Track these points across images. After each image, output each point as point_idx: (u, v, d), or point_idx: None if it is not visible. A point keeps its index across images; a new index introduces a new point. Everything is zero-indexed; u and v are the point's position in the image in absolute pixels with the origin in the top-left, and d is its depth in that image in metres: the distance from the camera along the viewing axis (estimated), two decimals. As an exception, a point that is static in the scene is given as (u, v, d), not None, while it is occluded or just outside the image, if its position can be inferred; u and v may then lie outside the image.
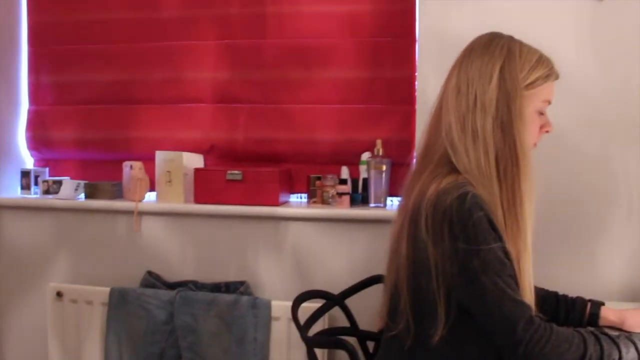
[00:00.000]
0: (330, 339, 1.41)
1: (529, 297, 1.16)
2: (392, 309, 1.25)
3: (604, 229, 1.82)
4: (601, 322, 1.42)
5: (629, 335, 1.16)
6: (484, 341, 1.13)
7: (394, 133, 2.00)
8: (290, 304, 1.50)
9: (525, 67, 1.21)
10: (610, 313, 1.42)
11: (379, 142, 1.94)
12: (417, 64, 1.89)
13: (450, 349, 1.16)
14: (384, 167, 1.91)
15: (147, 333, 1.97)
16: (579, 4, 1.78)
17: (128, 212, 2.07)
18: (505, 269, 1.10)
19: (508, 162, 1.17)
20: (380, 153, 1.94)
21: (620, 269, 1.82)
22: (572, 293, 1.72)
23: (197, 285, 2.01)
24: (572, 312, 1.44)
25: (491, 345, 1.12)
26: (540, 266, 1.82)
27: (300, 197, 2.14)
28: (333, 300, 1.64)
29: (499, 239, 1.11)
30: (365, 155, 2.00)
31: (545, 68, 1.23)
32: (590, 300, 1.46)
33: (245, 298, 1.92)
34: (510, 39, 1.26)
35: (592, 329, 1.21)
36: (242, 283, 1.99)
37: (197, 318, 1.92)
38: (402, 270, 1.20)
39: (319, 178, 2.03)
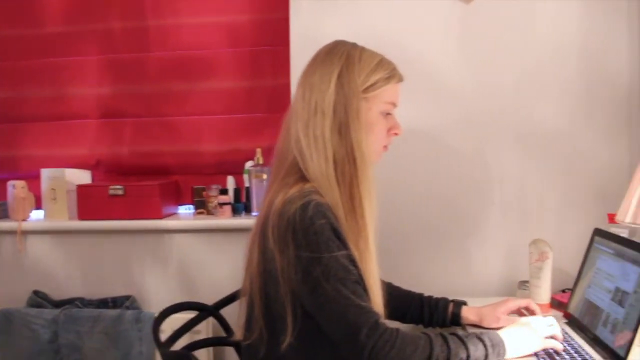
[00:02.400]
0: (179, 352, 1.41)
1: (376, 298, 1.18)
2: (248, 319, 1.26)
3: (480, 226, 1.87)
4: (463, 322, 1.46)
5: (479, 334, 1.19)
6: (332, 348, 1.14)
7: (275, 141, 2.00)
8: (175, 316, 1.51)
9: (364, 70, 1.23)
10: (470, 312, 1.47)
11: (258, 150, 1.96)
12: (291, 71, 1.92)
13: (300, 356, 1.18)
14: (264, 176, 1.93)
15: (32, 353, 1.94)
16: (447, 6, 1.83)
17: (13, 232, 2.04)
18: (350, 276, 1.11)
19: (346, 164, 1.19)
20: (261, 162, 1.96)
21: (496, 265, 1.87)
22: (451, 292, 1.77)
23: (83, 302, 2.00)
24: (435, 313, 1.49)
25: (340, 352, 1.13)
26: (418, 266, 1.87)
27: (189, 209, 2.13)
28: (206, 311, 1.64)
29: (344, 246, 1.13)
30: (249, 164, 2.01)
31: (385, 71, 1.26)
32: (452, 301, 1.49)
33: (129, 312, 1.91)
34: (353, 45, 1.29)
35: (447, 330, 1.27)
36: (127, 297, 1.98)
37: (82, 335, 1.90)
38: (254, 280, 1.22)
39: (203, 189, 2.03)
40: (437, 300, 1.50)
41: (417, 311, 1.50)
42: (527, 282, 1.68)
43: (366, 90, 1.23)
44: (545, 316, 1.45)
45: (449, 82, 1.83)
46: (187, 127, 2.09)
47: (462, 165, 1.84)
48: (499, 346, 1.18)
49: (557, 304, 1.64)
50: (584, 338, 1.39)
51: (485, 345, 1.16)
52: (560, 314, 1.57)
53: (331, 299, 1.09)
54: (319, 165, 1.18)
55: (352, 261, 1.14)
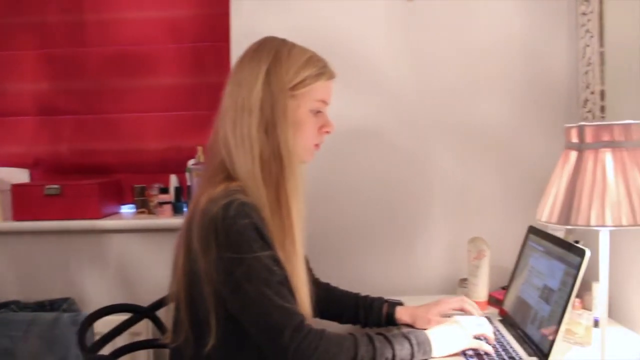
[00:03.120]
0: (103, 357, 1.38)
1: (303, 300, 1.17)
2: (175, 321, 1.23)
3: (422, 225, 1.87)
4: (398, 322, 1.46)
5: (406, 333, 1.19)
6: (257, 350, 1.13)
7: (216, 139, 1.98)
8: (114, 318, 1.49)
9: (292, 67, 1.21)
10: (403, 313, 1.46)
11: (200, 149, 1.93)
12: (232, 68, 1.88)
13: (225, 358, 1.16)
14: (205, 174, 1.89)
15: (-36, 359, 1.88)
16: (389, 5, 1.82)
17: (-54, 234, 1.97)
18: (273, 277, 1.09)
19: (272, 163, 1.17)
20: (202, 160, 1.92)
21: (438, 263, 1.87)
22: (395, 290, 1.78)
23: (19, 306, 1.94)
24: (370, 314, 1.48)
25: (265, 354, 1.12)
26: (362, 264, 1.86)
27: (132, 208, 2.09)
28: (140, 312, 1.60)
29: (268, 246, 1.11)
30: (191, 163, 1.98)
31: (314, 67, 1.24)
32: (387, 301, 1.49)
33: (66, 315, 1.86)
34: (282, 41, 1.26)
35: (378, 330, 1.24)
36: (66, 300, 1.93)
37: (15, 340, 1.85)
38: (180, 281, 1.19)
39: (144, 188, 1.99)
40: (373, 300, 1.50)
41: (352, 312, 1.50)
42: (467, 279, 1.68)
43: (294, 87, 1.21)
44: (481, 315, 1.46)
45: (390, 81, 1.83)
46: (129, 124, 2.05)
47: (404, 163, 1.84)
48: (424, 345, 1.18)
49: (495, 301, 1.65)
50: (514, 335, 1.40)
51: (411, 344, 1.16)
52: (496, 311, 1.58)
53: (253, 301, 1.08)
54: (246, 164, 1.16)
55: (277, 262, 1.12)
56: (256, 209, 1.12)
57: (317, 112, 1.26)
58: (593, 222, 0.98)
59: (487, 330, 1.31)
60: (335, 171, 1.83)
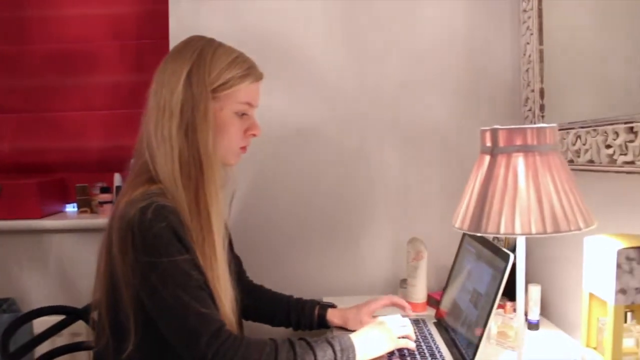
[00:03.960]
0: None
1: (225, 304, 1.15)
2: (98, 325, 1.21)
3: (365, 224, 1.85)
4: (329, 324, 1.45)
5: (330, 338, 1.17)
6: (176, 355, 1.10)
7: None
8: (54, 318, 1.47)
9: (216, 68, 1.18)
10: (335, 315, 1.45)
11: (141, 147, 1.88)
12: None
13: None
14: (148, 173, 1.85)
15: None
16: (330, 2, 1.79)
17: None
18: (191, 282, 1.07)
19: (191, 166, 1.14)
20: (144, 159, 1.88)
21: (381, 263, 1.85)
22: (338, 290, 1.77)
23: (-43, 307, 1.89)
24: (302, 317, 1.47)
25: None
26: (305, 265, 1.84)
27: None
28: (74, 314, 1.58)
29: (186, 250, 1.08)
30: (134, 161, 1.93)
31: (240, 69, 1.21)
32: (319, 303, 1.47)
33: (6, 316, 1.82)
34: (209, 41, 1.23)
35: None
36: (6, 300, 1.89)
37: (-49, 342, 1.80)
38: (101, 284, 1.17)
39: (86, 187, 1.95)
40: (304, 303, 1.48)
41: (284, 315, 1.48)
42: (406, 280, 1.67)
43: (217, 89, 1.17)
44: (409, 311, 1.45)
45: (330, 78, 1.80)
46: (71, 122, 2.00)
47: (345, 162, 1.81)
48: (348, 351, 1.17)
49: (435, 303, 1.63)
50: (445, 339, 1.38)
51: (334, 351, 1.14)
52: (434, 312, 1.57)
53: (170, 306, 1.06)
54: (166, 166, 1.13)
55: (196, 266, 1.10)
56: (175, 212, 1.09)
57: (243, 115, 1.23)
58: (502, 229, 0.96)
59: (410, 331, 1.30)
60: (276, 170, 1.81)
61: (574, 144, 1.40)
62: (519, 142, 1.00)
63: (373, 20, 1.79)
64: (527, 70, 1.64)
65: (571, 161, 1.41)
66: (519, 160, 0.99)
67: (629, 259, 1.00)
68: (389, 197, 1.82)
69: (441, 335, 1.41)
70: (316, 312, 1.46)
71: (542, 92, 1.57)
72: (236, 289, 1.21)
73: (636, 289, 1.01)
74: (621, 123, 1.22)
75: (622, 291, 1.01)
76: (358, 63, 1.79)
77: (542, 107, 1.58)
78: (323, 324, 1.46)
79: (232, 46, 1.24)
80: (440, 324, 1.47)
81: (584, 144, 1.35)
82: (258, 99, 1.27)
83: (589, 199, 1.39)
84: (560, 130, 1.47)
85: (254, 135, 1.27)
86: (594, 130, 1.31)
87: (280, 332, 1.49)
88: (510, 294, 1.57)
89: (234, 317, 1.19)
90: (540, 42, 1.57)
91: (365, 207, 1.83)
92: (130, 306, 1.10)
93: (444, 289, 1.54)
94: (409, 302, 1.62)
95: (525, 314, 1.48)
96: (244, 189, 1.80)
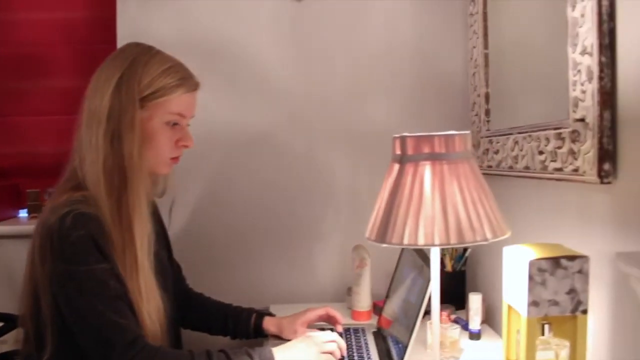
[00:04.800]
0: None
1: (149, 315, 1.13)
2: (24, 333, 1.19)
3: (314, 230, 1.83)
4: (265, 333, 1.43)
5: (250, 350, 1.16)
6: None
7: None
8: None
9: (147, 77, 1.16)
10: (271, 324, 1.44)
11: (93, 153, 1.87)
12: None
13: None
14: (99, 179, 1.84)
15: None
16: (278, 5, 1.77)
17: None
18: (108, 291, 1.06)
19: (115, 175, 1.12)
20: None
21: (329, 271, 1.83)
22: (288, 297, 1.74)
23: None
24: (238, 325, 1.45)
25: None
26: (253, 272, 1.81)
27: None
28: (10, 321, 1.56)
29: (105, 259, 1.07)
30: (87, 167, 1.91)
31: (173, 79, 1.19)
32: (256, 311, 1.45)
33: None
34: (144, 49, 1.21)
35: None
36: (-45, 308, 1.87)
37: None
38: (24, 292, 1.16)
39: (37, 192, 1.94)
40: (241, 311, 1.46)
41: (221, 323, 1.46)
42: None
43: (146, 98, 1.15)
44: (342, 324, 1.42)
45: (280, 83, 1.77)
46: (24, 127, 1.99)
47: (294, 167, 1.79)
48: (268, 363, 1.14)
49: (380, 311, 1.60)
50: (380, 349, 1.36)
51: None
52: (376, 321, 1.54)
53: (85, 315, 1.05)
54: (92, 173, 1.12)
55: (115, 276, 1.08)
56: (96, 220, 1.08)
57: (174, 125, 1.21)
58: (406, 240, 0.93)
59: (335, 346, 1.27)
60: (224, 176, 1.78)
61: (512, 150, 1.37)
62: (426, 150, 0.97)
63: (322, 24, 1.76)
64: (473, 75, 1.61)
65: (511, 167, 1.38)
66: (426, 169, 0.96)
67: (541, 270, 0.98)
68: (338, 203, 1.80)
69: (377, 345, 1.38)
70: (252, 320, 1.44)
71: (487, 97, 1.55)
72: (166, 298, 1.20)
73: (549, 300, 0.98)
74: (551, 129, 1.19)
75: (534, 303, 0.98)
76: (307, 67, 1.77)
77: (487, 112, 1.55)
78: (260, 333, 1.44)
79: (171, 55, 1.22)
80: (380, 333, 1.45)
81: (521, 150, 1.33)
82: (192, 110, 1.24)
83: (525, 206, 1.37)
84: (501, 135, 1.44)
85: (186, 146, 1.25)
86: (529, 136, 1.28)
87: (218, 341, 1.47)
88: (457, 302, 1.55)
89: (160, 327, 1.17)
90: (486, 46, 1.54)
91: (315, 213, 1.81)
92: (48, 314, 1.09)
93: (386, 297, 1.51)
94: (354, 311, 1.60)
95: (467, 323, 1.45)
96: (193, 196, 1.78)
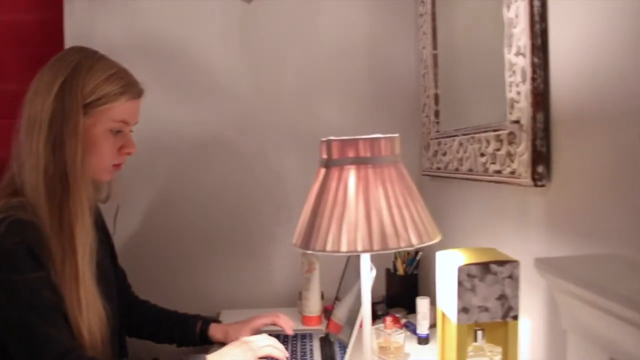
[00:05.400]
0: None
1: (88, 326, 1.10)
2: None
3: (267, 234, 1.80)
4: (211, 340, 1.40)
5: (184, 357, 1.15)
6: None
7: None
8: None
9: (90, 83, 1.12)
10: (217, 330, 1.41)
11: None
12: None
13: None
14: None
15: None
16: (227, 6, 1.74)
17: None
18: (41, 301, 1.03)
19: (57, 182, 1.09)
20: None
21: (283, 276, 1.80)
22: (241, 302, 1.70)
23: None
24: (184, 332, 1.42)
25: None
26: (206, 279, 1.78)
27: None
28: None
29: (40, 268, 1.03)
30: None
31: (116, 86, 1.15)
32: (202, 318, 1.43)
33: None
34: (88, 53, 1.17)
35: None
36: None
37: None
38: None
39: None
40: (187, 318, 1.43)
41: (166, 331, 1.43)
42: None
43: (90, 105, 1.12)
44: (292, 331, 1.40)
45: (230, 84, 1.74)
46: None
47: (246, 171, 1.76)
48: (203, 369, 1.12)
49: (330, 315, 1.58)
50: (324, 355, 1.34)
51: None
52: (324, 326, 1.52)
53: (16, 325, 1.01)
54: (31, 180, 1.08)
55: (50, 285, 1.05)
56: (34, 227, 1.04)
57: (118, 132, 1.18)
58: (329, 247, 0.91)
59: (275, 351, 1.25)
60: (173, 179, 1.75)
61: (457, 152, 1.35)
62: (351, 154, 0.95)
63: (272, 26, 1.74)
64: (423, 76, 1.59)
65: (457, 170, 1.36)
66: (351, 174, 0.94)
67: (470, 276, 0.96)
68: (290, 205, 1.77)
69: (323, 350, 1.36)
70: (198, 327, 1.41)
71: (436, 98, 1.53)
72: (109, 307, 1.17)
73: (479, 307, 0.96)
74: (491, 131, 1.17)
75: (464, 310, 0.96)
76: (257, 69, 1.75)
77: (436, 113, 1.53)
78: (206, 340, 1.41)
79: (115, 60, 1.19)
80: (327, 339, 1.42)
81: (465, 152, 1.31)
82: (136, 117, 1.21)
83: (469, 209, 1.35)
84: (448, 137, 1.42)
85: (129, 153, 1.21)
86: (472, 137, 1.26)
87: (164, 349, 1.44)
88: (409, 306, 1.53)
89: (101, 337, 1.14)
90: (434, 47, 1.52)
91: (267, 217, 1.78)
92: None
93: (334, 301, 1.49)
94: (304, 316, 1.57)
95: (415, 327, 1.43)
96: (141, 200, 1.74)
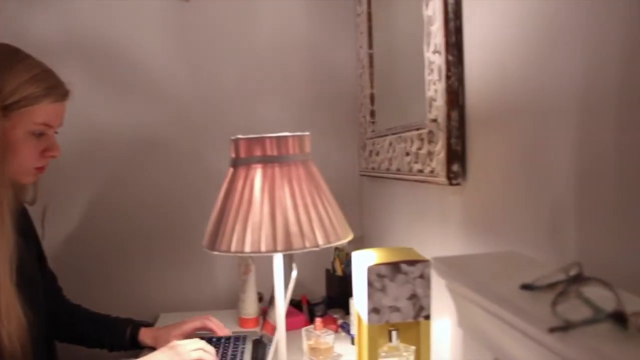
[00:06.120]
0: None
1: (11, 336, 1.07)
2: None
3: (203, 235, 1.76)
4: (141, 344, 1.37)
5: None
6: None
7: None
8: None
9: (10, 84, 1.08)
10: (146, 335, 1.38)
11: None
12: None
13: None
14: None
15: None
16: (165, 5, 1.71)
17: None
18: None
19: None
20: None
21: (224, 277, 1.78)
22: (182, 307, 1.67)
23: None
24: (114, 337, 1.39)
25: None
26: (145, 282, 1.75)
27: None
28: None
29: None
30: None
31: (39, 87, 1.10)
32: (132, 322, 1.40)
33: None
34: (11, 53, 1.12)
35: None
36: None
37: None
38: None
39: None
40: (118, 322, 1.40)
41: (96, 335, 1.40)
42: (243, 295, 1.60)
43: (10, 106, 1.07)
44: (225, 334, 1.38)
45: (167, 83, 1.71)
46: None
47: (184, 171, 1.73)
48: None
49: (266, 316, 1.56)
50: (254, 357, 1.31)
51: None
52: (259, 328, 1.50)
53: None
54: None
55: None
56: None
57: (40, 135, 1.14)
58: (233, 247, 0.89)
59: (201, 354, 1.22)
60: (109, 180, 1.72)
61: (388, 152, 1.34)
62: (258, 152, 0.93)
63: (210, 25, 1.72)
64: (360, 75, 1.59)
65: (387, 169, 1.35)
66: (257, 173, 0.92)
67: (380, 276, 0.94)
68: (232, 207, 1.75)
69: (254, 353, 1.34)
70: (128, 332, 1.38)
71: (372, 98, 1.52)
72: (33, 313, 1.13)
73: (390, 307, 0.95)
74: (414, 130, 1.17)
75: (374, 310, 0.95)
76: (195, 68, 1.72)
77: (372, 113, 1.52)
78: (136, 344, 1.38)
79: (40, 61, 1.14)
80: (261, 341, 1.40)
81: (394, 152, 1.30)
82: (60, 120, 1.17)
83: (397, 208, 1.35)
84: (380, 137, 1.41)
85: (53, 156, 1.17)
86: (400, 137, 1.25)
87: (94, 354, 1.41)
88: (347, 306, 1.52)
89: (21, 346, 1.10)
90: (370, 46, 1.51)
91: (206, 217, 1.74)
92: None
93: (269, 303, 1.47)
94: (241, 318, 1.55)
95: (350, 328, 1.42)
96: (76, 201, 1.71)
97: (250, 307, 1.54)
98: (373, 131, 1.51)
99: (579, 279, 0.55)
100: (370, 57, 1.51)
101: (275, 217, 0.88)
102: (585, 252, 0.68)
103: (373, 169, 1.46)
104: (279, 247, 0.87)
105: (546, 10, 0.74)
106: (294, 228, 0.88)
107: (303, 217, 0.89)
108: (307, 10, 1.71)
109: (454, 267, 0.73)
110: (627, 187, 0.60)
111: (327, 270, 1.65)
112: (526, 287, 0.61)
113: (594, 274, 0.67)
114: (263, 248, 0.87)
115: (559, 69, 0.71)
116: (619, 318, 0.47)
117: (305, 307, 1.57)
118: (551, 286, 0.58)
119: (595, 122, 0.65)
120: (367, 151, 1.52)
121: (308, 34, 1.72)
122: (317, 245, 0.89)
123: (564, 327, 0.48)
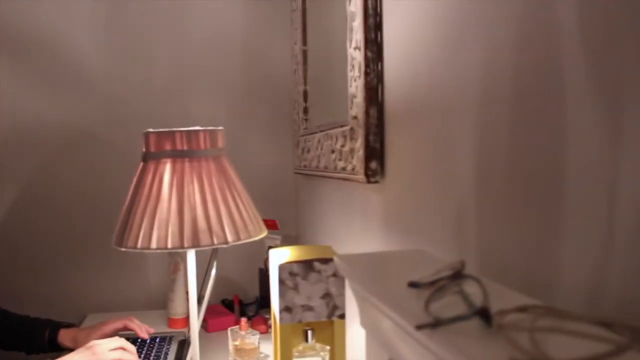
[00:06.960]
0: None
1: None
2: None
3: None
4: (61, 346, 1.32)
5: None
6: None
7: None
8: None
9: None
10: (66, 337, 1.33)
11: None
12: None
13: None
14: None
15: None
16: (95, 2, 1.66)
17: None
18: None
19: None
20: None
21: (158, 274, 1.74)
22: (112, 306, 1.62)
23: None
24: (33, 339, 1.33)
25: None
26: (73, 281, 1.69)
27: None
28: None
29: None
30: None
31: None
32: (52, 324, 1.34)
33: None
34: None
35: None
36: None
37: None
38: None
39: None
40: (36, 323, 1.35)
41: (14, 337, 1.34)
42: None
43: None
44: (148, 335, 1.34)
45: (96, 79, 1.66)
46: None
47: (113, 167, 1.68)
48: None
49: (199, 317, 1.53)
50: (177, 358, 1.28)
51: None
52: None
53: None
54: None
55: None
56: None
57: None
58: (140, 244, 0.86)
59: (121, 354, 1.18)
60: (37, 176, 1.66)
61: (317, 149, 1.33)
62: (168, 147, 0.90)
63: (142, 20, 1.67)
64: (294, 72, 1.57)
65: (317, 167, 1.34)
66: (167, 167, 0.89)
67: (292, 274, 0.93)
68: (164, 204, 1.71)
69: (178, 353, 1.31)
70: (47, 333, 1.32)
71: (305, 94, 1.50)
72: None
73: (303, 306, 0.94)
74: (338, 127, 1.15)
75: (287, 309, 0.93)
76: (126, 63, 1.68)
77: (305, 110, 1.51)
78: (55, 347, 1.33)
79: None
80: (187, 341, 1.37)
81: (322, 149, 1.29)
82: None
83: (325, 206, 1.33)
84: (311, 134, 1.40)
85: None
86: (327, 134, 1.24)
87: (12, 357, 1.35)
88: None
89: None
90: (304, 43, 1.50)
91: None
92: None
93: (199, 302, 1.44)
94: (170, 318, 1.52)
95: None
96: (4, 202, 1.64)
97: (180, 307, 1.50)
98: (305, 128, 1.49)
99: (458, 276, 0.55)
100: (304, 53, 1.49)
101: (183, 213, 0.86)
102: (484, 251, 0.68)
103: (305, 166, 1.45)
104: (186, 244, 0.84)
105: (453, 7, 0.73)
106: (202, 224, 0.86)
107: (212, 213, 0.87)
108: (243, 4, 1.69)
109: (353, 265, 0.72)
110: (516, 185, 0.60)
111: (261, 270, 1.63)
112: (413, 284, 0.60)
113: (492, 273, 0.67)
114: (170, 244, 0.84)
115: (460, 67, 0.71)
116: (485, 315, 0.46)
117: (237, 307, 1.54)
118: (433, 283, 0.57)
119: (492, 119, 0.65)
120: (300, 149, 1.50)
121: (243, 29, 1.69)
122: (226, 242, 0.87)
123: (433, 324, 0.47)
